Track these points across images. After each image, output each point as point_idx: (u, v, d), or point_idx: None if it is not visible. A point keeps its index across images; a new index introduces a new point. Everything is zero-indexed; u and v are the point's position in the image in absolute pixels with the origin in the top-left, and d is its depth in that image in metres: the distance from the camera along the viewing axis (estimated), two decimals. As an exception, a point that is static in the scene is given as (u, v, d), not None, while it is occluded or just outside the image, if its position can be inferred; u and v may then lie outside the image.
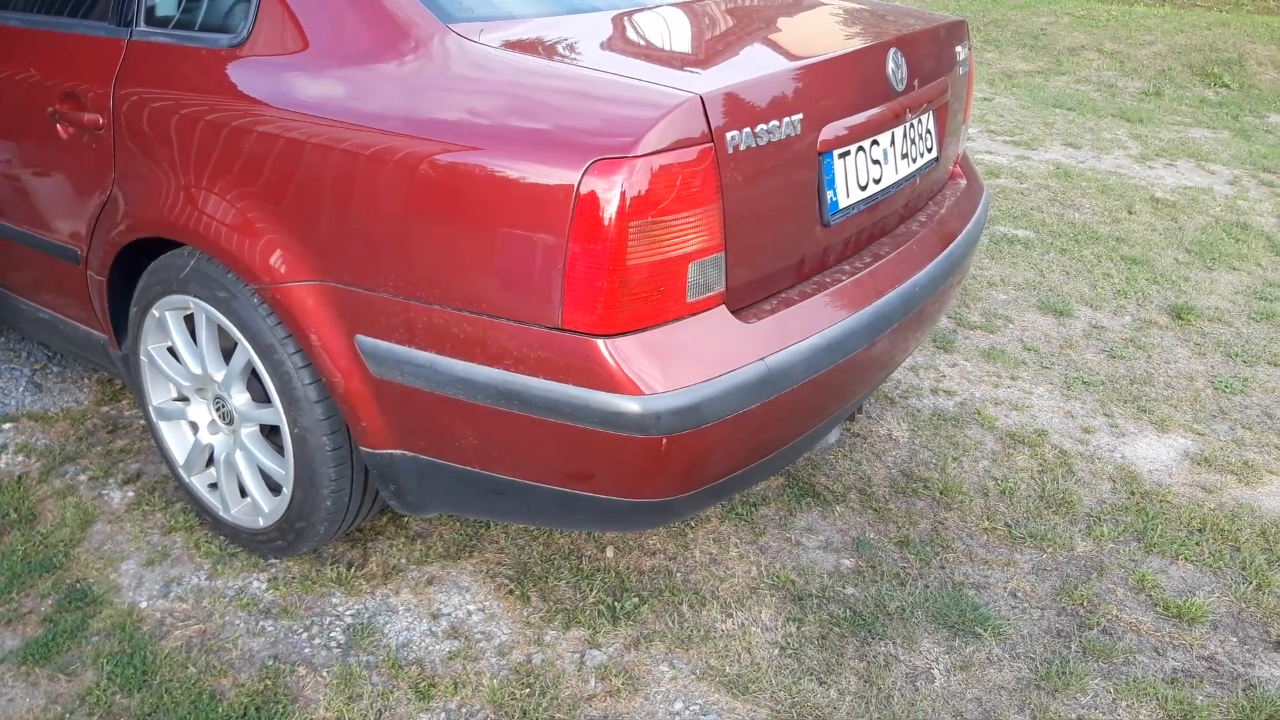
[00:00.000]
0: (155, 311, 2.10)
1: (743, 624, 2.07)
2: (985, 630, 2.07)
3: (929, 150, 2.30)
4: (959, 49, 2.45)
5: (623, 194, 1.54)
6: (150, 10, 2.07)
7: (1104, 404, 2.97)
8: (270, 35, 1.87)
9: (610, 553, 2.26)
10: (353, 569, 2.18)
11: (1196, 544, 2.37)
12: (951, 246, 2.27)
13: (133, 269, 2.17)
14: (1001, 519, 2.43)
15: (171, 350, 2.17)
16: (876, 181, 2.06)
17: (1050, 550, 2.33)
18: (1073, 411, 2.92)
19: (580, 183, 1.54)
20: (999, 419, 2.86)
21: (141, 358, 2.21)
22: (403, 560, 2.21)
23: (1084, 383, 3.08)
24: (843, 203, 1.95)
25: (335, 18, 1.81)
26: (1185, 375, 3.16)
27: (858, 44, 2.02)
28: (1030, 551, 2.33)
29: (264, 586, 2.13)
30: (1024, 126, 6.27)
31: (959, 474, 2.60)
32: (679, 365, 1.63)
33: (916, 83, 2.15)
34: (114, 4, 2.13)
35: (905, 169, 2.17)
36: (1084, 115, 6.64)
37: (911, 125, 2.18)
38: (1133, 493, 2.55)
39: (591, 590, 2.14)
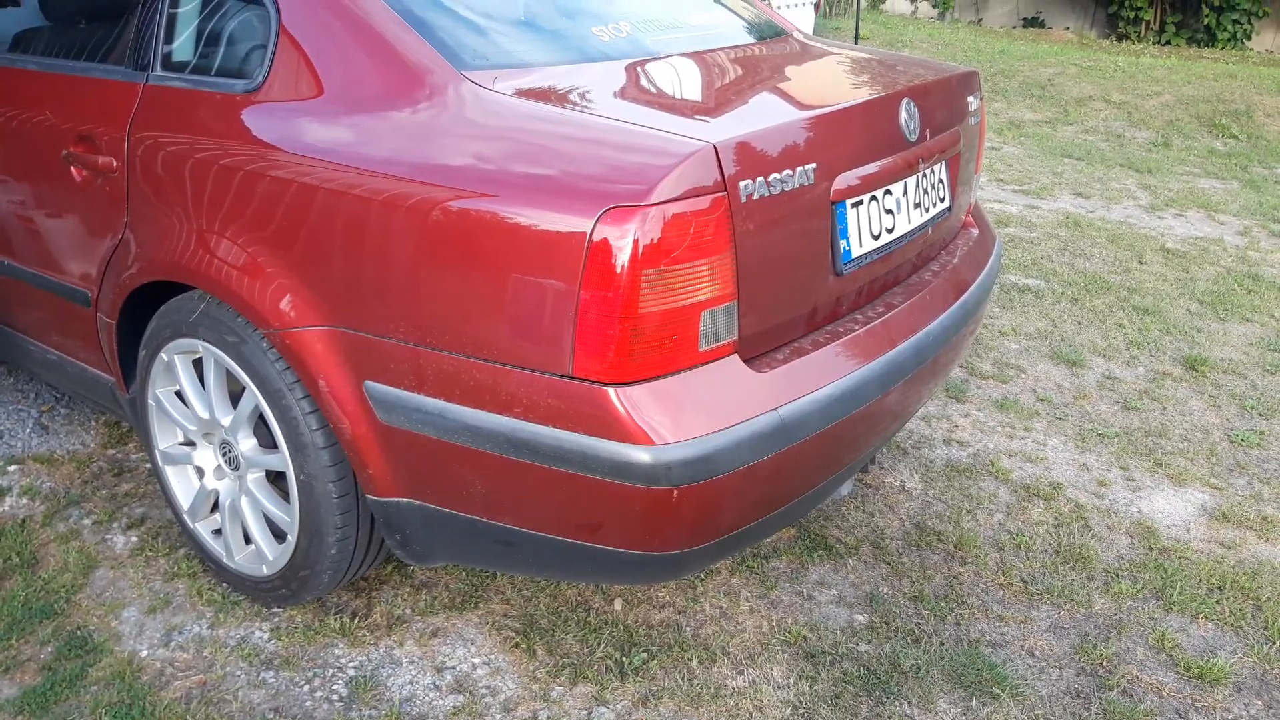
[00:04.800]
0: (164, 355, 2.10)
1: (754, 681, 2.02)
2: (1003, 690, 2.01)
3: (941, 200, 2.29)
4: (971, 99, 2.45)
5: (635, 242, 1.53)
6: (167, 55, 2.09)
7: (1119, 456, 2.93)
8: (286, 81, 1.88)
9: (618, 605, 2.22)
10: (356, 619, 2.14)
11: (1217, 602, 2.32)
12: (965, 296, 2.25)
13: (142, 312, 2.17)
14: (1017, 574, 2.38)
15: (179, 394, 2.15)
16: (889, 231, 2.05)
17: (1068, 607, 2.28)
18: (1088, 464, 2.88)
19: (593, 230, 1.54)
20: (1013, 471, 2.82)
21: (149, 401, 2.19)
22: (407, 610, 2.18)
23: (1098, 434, 3.04)
24: (855, 252, 1.94)
25: (351, 65, 1.82)
26: (1201, 428, 3.12)
27: (870, 94, 2.03)
28: (1047, 608, 2.28)
29: (266, 636, 2.09)
30: (1033, 175, 6.29)
31: (973, 527, 2.56)
32: (691, 415, 1.61)
33: (929, 133, 2.15)
34: (130, 48, 2.15)
35: (918, 218, 2.17)
36: (1092, 165, 6.66)
37: (924, 175, 2.18)
38: (1150, 548, 2.51)
39: (599, 644, 2.10)
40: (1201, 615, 2.27)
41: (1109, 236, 5.02)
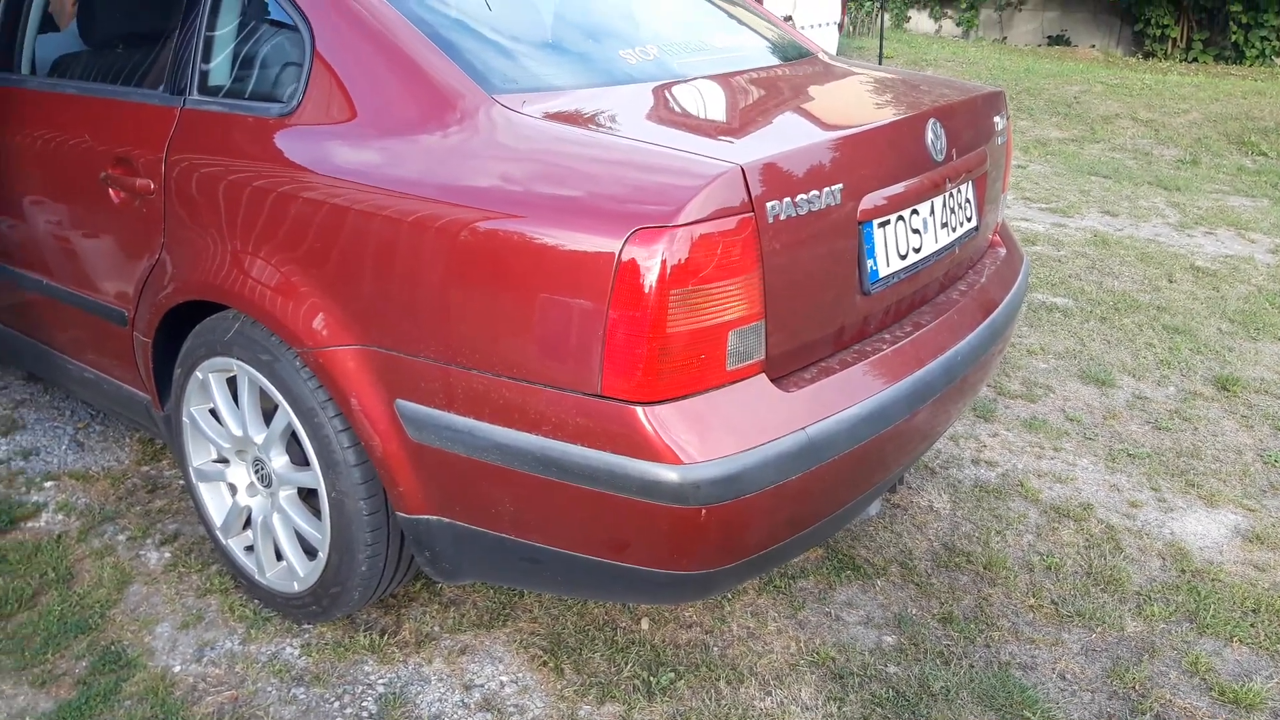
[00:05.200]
0: (199, 373, 2.13)
1: (781, 702, 2.02)
2: (1034, 714, 1.99)
3: (968, 219, 2.29)
4: (997, 119, 2.45)
5: (663, 262, 1.54)
6: (203, 79, 2.13)
7: (1151, 477, 2.90)
8: (320, 105, 1.92)
9: (646, 625, 2.22)
10: (386, 636, 2.15)
11: (1251, 625, 2.28)
12: (993, 315, 2.25)
13: (177, 331, 2.20)
14: (1048, 596, 2.36)
15: (213, 412, 2.19)
16: (916, 250, 2.05)
17: (1099, 630, 2.26)
18: (1118, 485, 2.86)
19: (621, 251, 1.55)
20: (1042, 491, 2.80)
21: (184, 419, 2.23)
22: (436, 628, 2.19)
23: (1129, 455, 3.01)
24: (883, 271, 1.94)
25: (384, 89, 1.85)
26: (1233, 448, 3.09)
27: (897, 115, 2.04)
28: (1078, 630, 2.25)
29: (297, 652, 2.11)
30: (1059, 194, 6.26)
31: (1003, 548, 2.54)
32: (718, 434, 1.62)
33: (955, 153, 2.16)
34: (168, 73, 2.20)
35: (945, 238, 2.17)
36: (1120, 183, 6.62)
37: (951, 195, 2.18)
38: (1183, 570, 2.48)
39: (627, 664, 2.10)
40: (1236, 639, 2.24)
41: (1138, 255, 4.98)
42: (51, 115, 2.45)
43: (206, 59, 2.14)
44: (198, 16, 2.15)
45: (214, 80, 2.12)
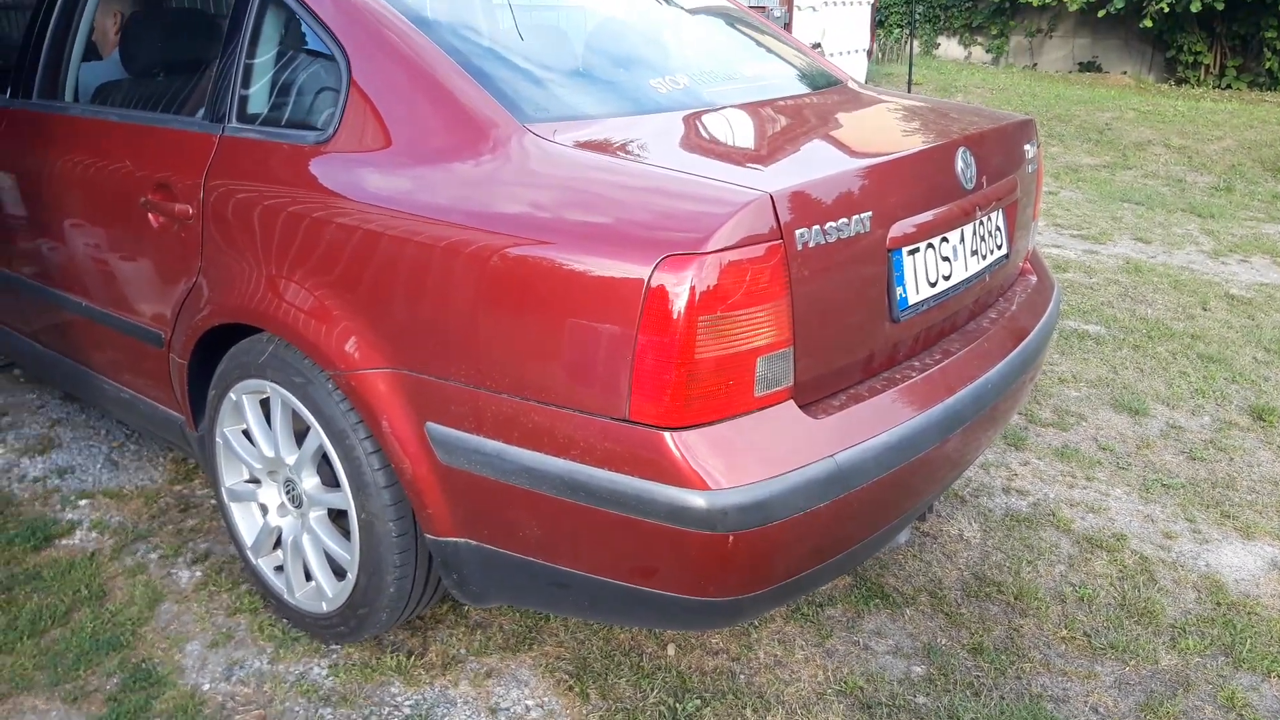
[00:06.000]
0: (233, 395, 2.16)
1: (808, 730, 2.00)
2: (1065, 747, 1.96)
3: (999, 247, 2.29)
4: (1028, 147, 2.45)
5: (692, 289, 1.55)
6: (242, 107, 2.18)
7: (1185, 508, 2.85)
8: (355, 133, 1.95)
9: (671, 650, 2.21)
10: (412, 657, 2.16)
11: (1291, 660, 2.24)
12: (1024, 343, 2.24)
13: (212, 353, 2.24)
14: (1080, 627, 2.33)
15: (246, 433, 2.21)
16: (946, 278, 2.05)
17: (1133, 663, 2.22)
18: (1153, 515, 2.82)
19: (651, 277, 1.56)
20: (1075, 521, 2.77)
21: (217, 439, 2.26)
22: (462, 650, 2.19)
23: (1163, 485, 2.97)
24: (912, 299, 1.94)
25: (420, 118, 1.88)
26: (1269, 479, 3.04)
27: (927, 143, 2.04)
28: (1112, 663, 2.22)
29: (325, 673, 2.12)
30: (1091, 220, 6.22)
31: (1034, 578, 2.51)
32: (746, 460, 1.62)
33: (985, 180, 2.15)
34: (208, 100, 2.24)
35: (975, 265, 2.16)
36: (1153, 210, 6.57)
37: (981, 222, 2.17)
38: (1219, 603, 2.43)
39: (652, 690, 2.09)
40: (1273, 674, 2.20)
41: (1171, 282, 4.93)
42: (94, 141, 2.50)
43: (245, 87, 2.18)
44: (237, 46, 2.20)
45: (252, 108, 2.17)
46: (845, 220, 1.74)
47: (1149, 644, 2.28)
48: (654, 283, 1.56)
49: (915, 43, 13.54)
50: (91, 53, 2.80)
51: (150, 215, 2.28)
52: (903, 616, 2.35)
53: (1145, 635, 2.31)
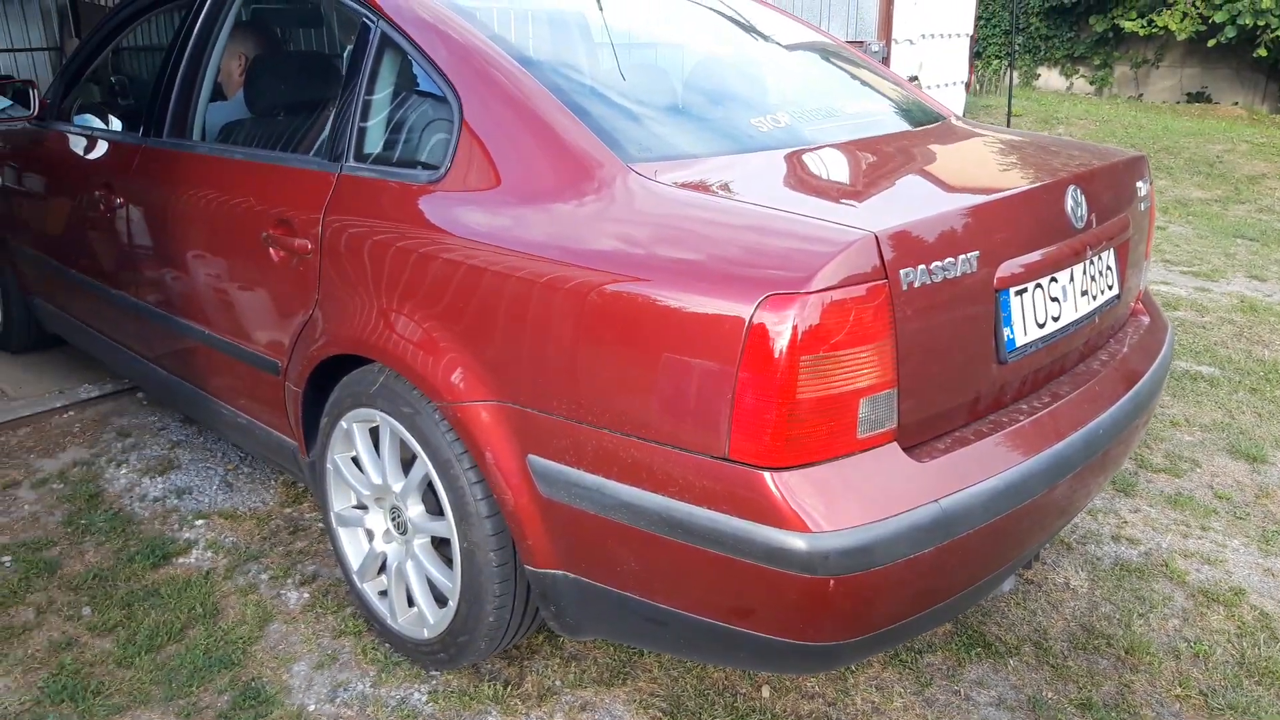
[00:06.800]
0: (344, 423, 2.24)
1: (906, 780, 1.95)
2: (1181, 812, 1.87)
3: (1110, 287, 2.23)
4: (1140, 184, 2.38)
5: (795, 328, 1.55)
6: (359, 147, 2.27)
7: (1310, 562, 2.71)
8: (466, 172, 2.01)
9: (766, 692, 2.19)
10: (509, 687, 2.19)
11: None
12: (1136, 387, 2.16)
13: (325, 381, 2.32)
14: (1196, 686, 2.22)
15: (355, 460, 2.29)
16: (1055, 319, 2.00)
17: (1254, 725, 2.11)
18: (1273, 569, 2.68)
19: (753, 315, 1.57)
20: (1189, 573, 2.65)
21: (327, 465, 2.34)
22: (557, 682, 2.21)
23: (1285, 537, 2.82)
24: (1020, 341, 1.90)
25: (528, 158, 1.94)
26: (1406, 534, 2.86)
27: (1035, 181, 2.00)
28: (1231, 725, 2.11)
29: (424, 699, 2.16)
30: (1203, 257, 5.98)
31: (1146, 632, 2.40)
32: (848, 503, 1.60)
33: (1095, 219, 2.10)
34: (327, 141, 2.35)
35: (1085, 306, 2.11)
36: (1268, 246, 6.28)
37: (1091, 262, 2.12)
38: (1350, 665, 2.29)
39: (746, 729, 2.07)
40: None
41: (1291, 322, 4.70)
42: (220, 178, 2.64)
43: (362, 128, 2.27)
44: (355, 88, 2.30)
45: (368, 148, 2.26)
46: (951, 260, 1.72)
47: (1271, 706, 2.16)
48: (756, 321, 1.57)
49: (1014, 74, 13.29)
50: (218, 94, 2.95)
51: (271, 249, 2.39)
52: (1006, 667, 2.28)
53: (1267, 697, 2.19)
